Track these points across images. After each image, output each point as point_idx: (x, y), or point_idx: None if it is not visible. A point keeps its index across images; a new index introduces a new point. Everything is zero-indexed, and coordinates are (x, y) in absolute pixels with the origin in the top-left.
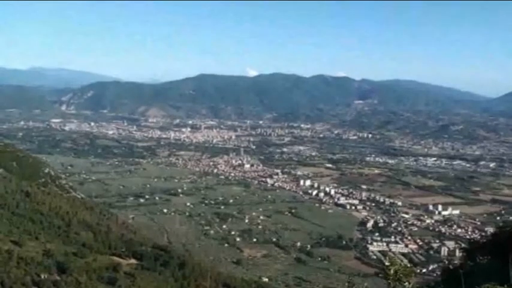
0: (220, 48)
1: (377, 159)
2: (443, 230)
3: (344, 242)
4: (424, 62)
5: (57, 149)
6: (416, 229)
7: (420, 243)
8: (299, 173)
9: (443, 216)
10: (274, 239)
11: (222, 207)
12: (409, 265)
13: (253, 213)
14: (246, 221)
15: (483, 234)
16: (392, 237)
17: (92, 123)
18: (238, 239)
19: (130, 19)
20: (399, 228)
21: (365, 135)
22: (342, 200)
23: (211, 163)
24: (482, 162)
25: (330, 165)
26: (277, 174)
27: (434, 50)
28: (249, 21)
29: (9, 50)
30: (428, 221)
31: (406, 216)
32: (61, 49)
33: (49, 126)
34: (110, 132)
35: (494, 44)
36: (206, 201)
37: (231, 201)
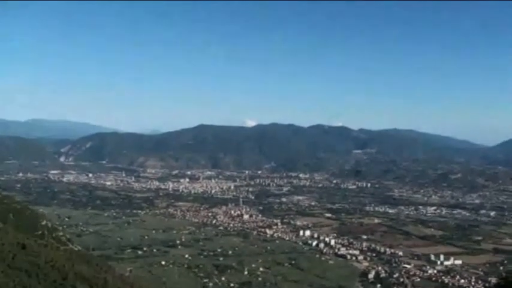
0: (219, 99)
1: (377, 208)
2: (446, 280)
3: None
4: (422, 112)
5: (55, 200)
6: (418, 280)
7: None
8: (298, 223)
9: (446, 266)
10: None
11: (221, 258)
12: None
13: (253, 265)
14: (246, 272)
15: (486, 284)
16: None
17: (90, 175)
18: None
19: (130, 71)
20: (401, 279)
21: (364, 184)
22: (343, 251)
23: (210, 214)
24: (482, 211)
25: (329, 215)
26: (276, 224)
27: (432, 100)
28: (247, 73)
29: (9, 102)
30: (430, 271)
31: (408, 266)
32: (61, 101)
33: (47, 178)
34: (108, 183)
35: (491, 93)
36: (205, 253)
37: (230, 252)
